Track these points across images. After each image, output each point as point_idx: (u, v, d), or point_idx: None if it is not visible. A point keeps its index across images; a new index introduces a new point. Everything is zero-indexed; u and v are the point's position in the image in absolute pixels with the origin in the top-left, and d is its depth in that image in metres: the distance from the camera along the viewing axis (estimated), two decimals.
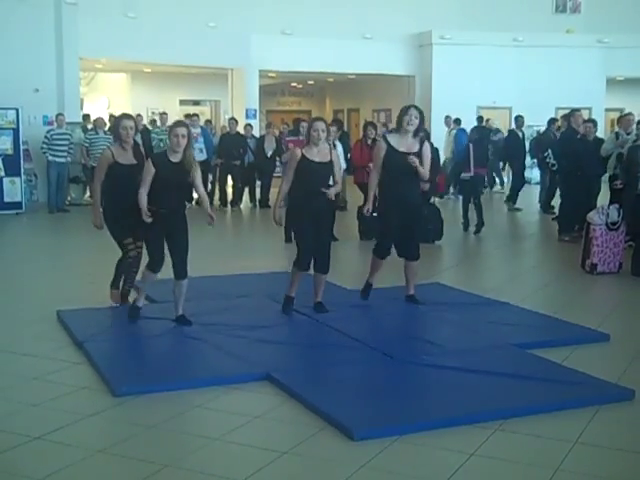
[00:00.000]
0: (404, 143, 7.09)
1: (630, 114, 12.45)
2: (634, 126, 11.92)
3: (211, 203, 16.51)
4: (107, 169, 6.89)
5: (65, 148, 15.38)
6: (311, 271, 7.11)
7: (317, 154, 6.92)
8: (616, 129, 12.55)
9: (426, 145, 7.20)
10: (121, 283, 7.27)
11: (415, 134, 7.15)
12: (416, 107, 7.21)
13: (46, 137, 15.23)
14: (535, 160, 17.19)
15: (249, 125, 17.29)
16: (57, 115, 15.57)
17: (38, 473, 3.99)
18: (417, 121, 7.04)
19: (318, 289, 7.16)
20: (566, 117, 13.39)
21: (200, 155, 16.13)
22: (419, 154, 7.08)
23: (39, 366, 5.73)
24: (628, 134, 11.54)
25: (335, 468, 4.14)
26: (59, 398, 5.07)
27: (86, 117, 17.40)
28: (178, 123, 6.73)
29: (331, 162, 6.98)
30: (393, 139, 7.16)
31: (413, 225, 7.25)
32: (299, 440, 4.42)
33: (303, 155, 6.89)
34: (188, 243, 6.68)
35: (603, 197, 12.07)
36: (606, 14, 23.03)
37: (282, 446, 4.33)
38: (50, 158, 15.24)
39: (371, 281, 7.49)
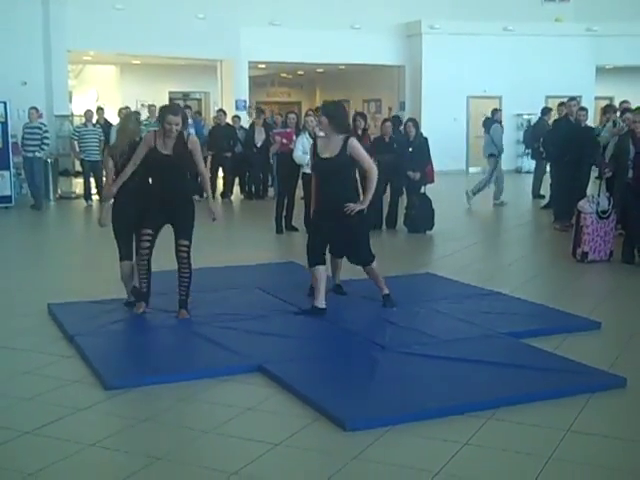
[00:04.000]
0: (328, 147, 6.77)
1: (625, 101, 12.46)
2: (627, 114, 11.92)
3: (201, 195, 16.50)
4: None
5: (36, 143, 14.88)
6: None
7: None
8: (614, 118, 12.52)
9: (349, 142, 6.75)
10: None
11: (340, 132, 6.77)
12: (324, 107, 6.96)
13: (23, 131, 15.11)
14: (529, 150, 17.20)
15: (237, 116, 17.23)
16: (29, 109, 15.07)
17: (30, 467, 3.98)
18: (325, 120, 6.72)
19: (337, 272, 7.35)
20: (562, 104, 13.50)
21: None
22: (342, 155, 6.70)
23: (30, 360, 5.70)
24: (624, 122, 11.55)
25: (328, 459, 4.13)
26: (50, 392, 5.05)
27: (99, 110, 17.15)
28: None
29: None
30: (320, 142, 6.90)
31: (351, 228, 6.84)
32: (292, 431, 4.41)
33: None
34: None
35: (594, 186, 12.11)
36: (595, 2, 23.08)
37: (275, 438, 4.32)
38: (23, 153, 15.03)
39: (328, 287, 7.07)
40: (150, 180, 6.69)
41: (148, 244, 6.60)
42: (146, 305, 6.72)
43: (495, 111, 15.80)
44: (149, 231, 6.58)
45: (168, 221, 6.64)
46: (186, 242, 6.63)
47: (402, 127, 13.01)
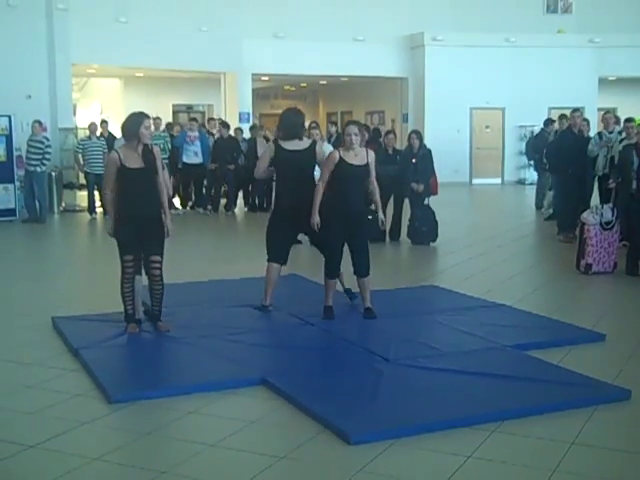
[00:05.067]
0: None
1: (608, 112, 12.48)
2: (617, 127, 11.94)
3: (205, 207, 16.56)
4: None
5: (38, 157, 14.79)
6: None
7: (355, 157, 6.92)
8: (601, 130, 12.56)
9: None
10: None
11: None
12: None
13: (27, 145, 15.10)
14: (532, 161, 17.22)
15: (239, 129, 17.26)
16: (33, 122, 15.00)
17: None
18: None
19: (364, 294, 7.12)
20: (562, 117, 13.54)
21: (195, 158, 16.19)
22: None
23: (34, 374, 5.70)
24: (610, 133, 11.57)
25: (332, 472, 4.12)
26: (54, 406, 5.05)
27: (103, 123, 17.16)
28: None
29: (367, 165, 6.99)
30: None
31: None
32: (296, 445, 4.40)
33: (341, 157, 6.89)
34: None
35: (593, 198, 12.10)
36: (597, 14, 23.12)
37: (279, 451, 4.32)
38: (26, 166, 15.01)
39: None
40: (119, 200, 6.47)
41: (132, 270, 6.53)
42: (138, 326, 6.65)
43: None
44: (131, 257, 6.49)
45: (142, 237, 6.47)
46: (159, 258, 6.54)
47: (381, 139, 12.93)
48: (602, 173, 11.32)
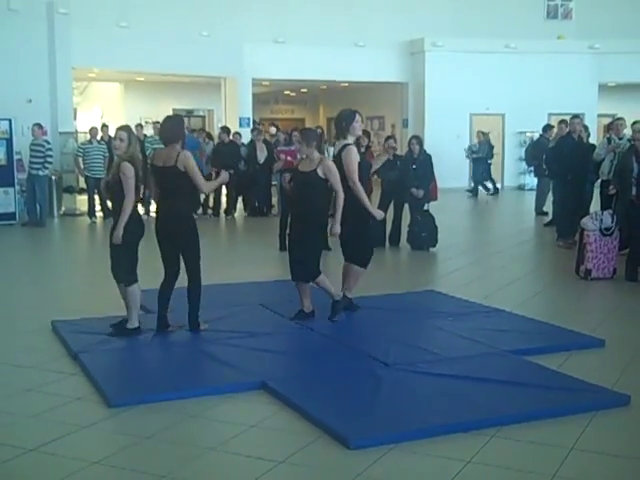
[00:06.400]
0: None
1: (621, 119, 12.48)
2: (625, 131, 11.93)
3: (205, 212, 16.57)
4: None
5: (39, 160, 14.80)
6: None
7: (306, 165, 6.99)
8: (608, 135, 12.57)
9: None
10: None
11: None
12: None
13: (29, 149, 15.11)
14: (532, 167, 17.23)
15: (237, 133, 17.27)
16: (32, 125, 14.99)
17: None
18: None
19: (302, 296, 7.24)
20: (562, 122, 13.55)
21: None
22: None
23: (34, 377, 5.71)
24: (620, 139, 11.57)
25: (331, 477, 4.13)
26: (54, 409, 5.05)
27: (104, 127, 17.19)
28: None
29: (314, 172, 6.85)
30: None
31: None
32: (295, 449, 4.41)
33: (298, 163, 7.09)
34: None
35: (594, 203, 12.12)
36: (597, 20, 23.15)
37: (278, 455, 4.32)
38: (28, 170, 15.04)
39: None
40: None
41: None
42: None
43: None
44: None
45: None
46: None
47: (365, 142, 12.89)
48: (606, 178, 11.32)
